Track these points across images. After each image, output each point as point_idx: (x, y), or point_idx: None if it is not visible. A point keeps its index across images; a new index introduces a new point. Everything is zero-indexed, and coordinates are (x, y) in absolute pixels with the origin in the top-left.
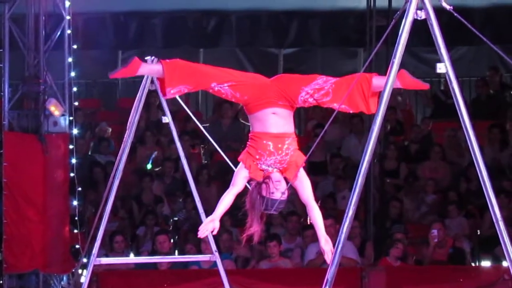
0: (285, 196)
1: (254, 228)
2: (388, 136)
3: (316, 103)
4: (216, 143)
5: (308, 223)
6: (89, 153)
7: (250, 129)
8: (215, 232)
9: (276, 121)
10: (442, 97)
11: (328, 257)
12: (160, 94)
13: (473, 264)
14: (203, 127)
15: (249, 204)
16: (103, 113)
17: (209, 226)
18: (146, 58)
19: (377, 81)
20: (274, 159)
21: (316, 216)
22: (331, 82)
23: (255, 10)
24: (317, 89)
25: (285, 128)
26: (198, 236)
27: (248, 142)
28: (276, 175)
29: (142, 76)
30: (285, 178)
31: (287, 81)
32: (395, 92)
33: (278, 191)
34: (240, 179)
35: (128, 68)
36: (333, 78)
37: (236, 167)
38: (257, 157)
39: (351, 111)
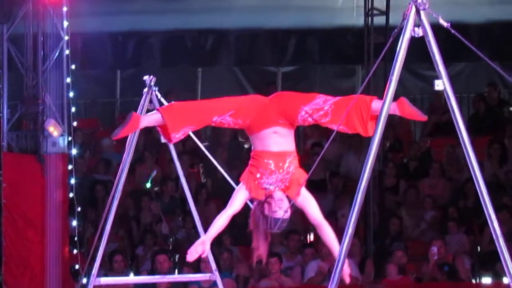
0: (287, 215)
1: (261, 249)
2: (387, 153)
3: (315, 123)
4: (217, 160)
5: (308, 241)
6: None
7: (252, 148)
8: (204, 255)
9: (277, 140)
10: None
11: (347, 278)
12: (165, 140)
13: (473, 281)
14: (204, 144)
15: (253, 224)
16: (102, 133)
17: (198, 248)
18: (144, 77)
19: (376, 104)
20: (275, 178)
21: (329, 236)
22: (330, 103)
23: (253, 28)
24: (317, 109)
25: (286, 146)
26: (187, 259)
27: (249, 161)
28: (278, 194)
29: (141, 95)
30: (287, 197)
31: (287, 99)
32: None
33: (281, 210)
34: (238, 200)
35: (129, 126)
36: (332, 98)
37: (236, 186)
38: (259, 176)
39: (349, 132)
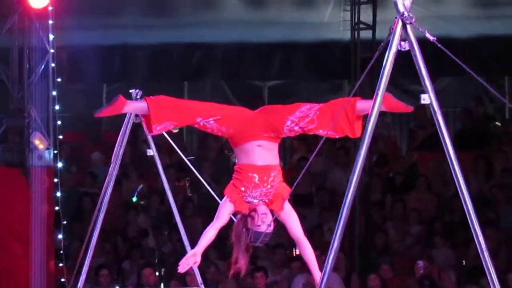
0: (271, 229)
1: (240, 262)
2: (373, 168)
3: (302, 131)
4: (202, 176)
5: (294, 255)
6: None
7: (236, 161)
8: (195, 266)
9: (261, 154)
10: (419, 131)
11: None
12: (146, 131)
13: None
14: (188, 160)
15: (235, 236)
16: (88, 147)
17: (190, 260)
18: (130, 91)
19: (361, 104)
20: (259, 192)
21: (308, 254)
22: (315, 109)
23: (239, 42)
24: (302, 117)
25: (270, 160)
26: (178, 270)
27: (233, 175)
28: (262, 208)
29: None
30: (271, 211)
31: (272, 111)
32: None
33: (264, 224)
34: (224, 213)
35: (114, 106)
36: (317, 104)
37: (221, 200)
38: (243, 189)
39: (337, 136)
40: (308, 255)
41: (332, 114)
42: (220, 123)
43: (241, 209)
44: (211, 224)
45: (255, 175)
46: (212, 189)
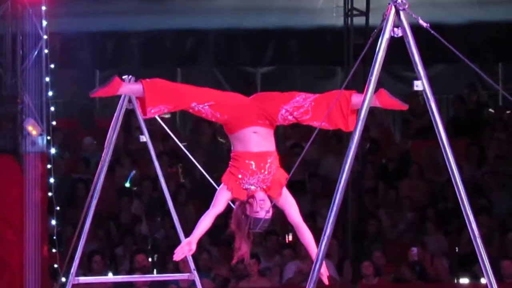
0: (269, 215)
1: (243, 250)
2: (366, 155)
3: (296, 121)
4: (196, 160)
5: (287, 241)
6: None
7: (232, 148)
8: (190, 254)
9: (257, 140)
10: (412, 118)
11: (325, 279)
12: (140, 114)
13: (451, 282)
14: (181, 146)
15: (235, 224)
16: (81, 133)
17: (185, 249)
18: (123, 77)
19: (356, 99)
20: (257, 178)
21: (307, 239)
22: (310, 100)
23: (232, 29)
24: (297, 107)
25: (266, 146)
26: (174, 259)
27: (230, 162)
28: (260, 194)
29: (120, 96)
30: (269, 197)
31: (266, 99)
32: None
33: (263, 210)
34: (221, 200)
35: (109, 87)
36: (312, 95)
37: (216, 186)
38: (240, 176)
39: (330, 128)
40: (308, 240)
41: (327, 106)
42: (215, 109)
43: (239, 196)
44: (207, 212)
45: (252, 162)
46: (206, 175)
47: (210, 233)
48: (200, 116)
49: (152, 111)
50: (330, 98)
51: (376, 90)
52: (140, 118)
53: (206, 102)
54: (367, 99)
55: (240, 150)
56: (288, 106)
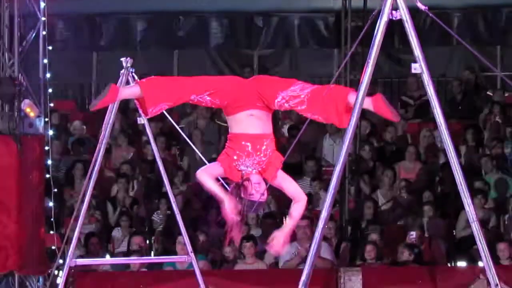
0: (264, 198)
1: (235, 231)
2: (363, 137)
3: (291, 109)
4: (192, 144)
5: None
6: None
7: (229, 130)
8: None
9: (254, 122)
10: (410, 101)
11: (273, 242)
12: (142, 114)
13: (448, 265)
14: (179, 128)
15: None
16: (78, 115)
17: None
18: (121, 59)
19: (352, 98)
20: (252, 160)
21: (292, 207)
22: (307, 91)
23: (229, 11)
24: (293, 96)
25: (263, 129)
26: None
27: (226, 143)
28: (255, 177)
29: (118, 77)
30: (264, 180)
31: (265, 83)
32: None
33: (258, 193)
34: (212, 168)
35: (107, 97)
36: (310, 86)
37: None
38: (235, 157)
39: (324, 122)
40: (292, 209)
41: (323, 99)
42: (214, 97)
43: (232, 177)
44: (207, 178)
45: (248, 143)
46: (201, 157)
47: (207, 215)
48: (200, 105)
49: (153, 110)
50: (328, 93)
51: (372, 93)
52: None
53: (205, 92)
54: (365, 81)
55: (237, 132)
56: (285, 94)
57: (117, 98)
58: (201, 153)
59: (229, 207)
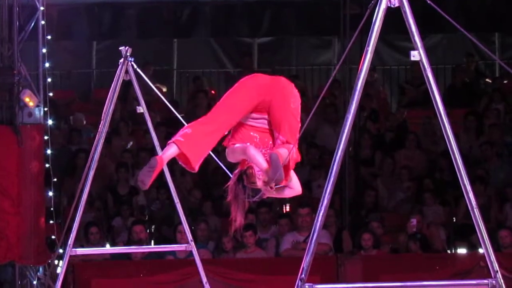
0: (266, 188)
1: (239, 219)
2: (363, 125)
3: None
4: None
5: (284, 212)
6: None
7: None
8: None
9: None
10: (409, 87)
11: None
12: (187, 169)
13: (449, 252)
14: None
15: (232, 194)
16: (78, 104)
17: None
18: (120, 48)
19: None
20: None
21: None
22: (292, 153)
23: None
24: (282, 142)
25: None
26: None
27: (232, 131)
28: None
29: (117, 67)
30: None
31: (280, 112)
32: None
33: (260, 181)
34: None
35: (157, 170)
36: (296, 152)
37: (214, 156)
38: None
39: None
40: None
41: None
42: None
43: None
44: (248, 148)
45: (256, 135)
46: None
47: (210, 203)
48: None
49: (198, 165)
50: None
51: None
52: (137, 89)
53: (236, 120)
54: (364, 69)
55: (249, 124)
56: (280, 135)
57: (163, 166)
58: None
59: (239, 219)
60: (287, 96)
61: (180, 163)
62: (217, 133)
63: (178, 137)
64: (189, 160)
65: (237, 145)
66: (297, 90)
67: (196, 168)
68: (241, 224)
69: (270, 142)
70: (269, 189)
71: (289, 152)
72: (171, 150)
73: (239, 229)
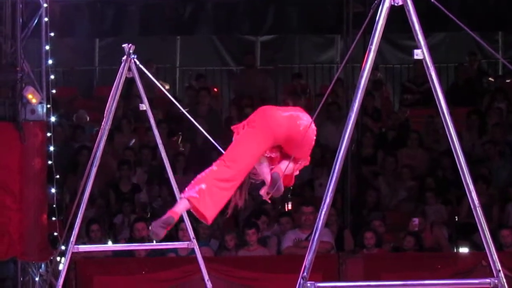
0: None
1: (238, 196)
2: (365, 123)
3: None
4: (197, 130)
5: (287, 210)
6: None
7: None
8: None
9: None
10: (412, 86)
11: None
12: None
13: (451, 251)
14: (182, 113)
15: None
16: (80, 101)
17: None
18: (123, 45)
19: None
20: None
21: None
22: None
23: None
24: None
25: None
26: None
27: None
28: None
29: (119, 64)
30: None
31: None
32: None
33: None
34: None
35: (171, 225)
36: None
37: (217, 154)
38: None
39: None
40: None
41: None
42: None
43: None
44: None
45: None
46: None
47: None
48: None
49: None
50: None
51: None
52: (140, 86)
53: (251, 167)
54: (367, 68)
55: None
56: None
57: (176, 220)
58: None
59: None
60: (301, 136)
61: (193, 212)
62: (232, 187)
63: (192, 193)
64: (205, 216)
65: None
66: (307, 116)
67: (210, 222)
68: (242, 199)
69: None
70: (265, 195)
71: (288, 163)
72: (185, 205)
73: (239, 204)
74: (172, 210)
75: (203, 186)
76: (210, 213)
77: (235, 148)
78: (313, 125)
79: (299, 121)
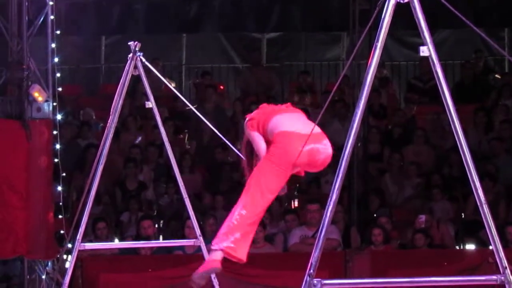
0: None
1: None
2: (371, 121)
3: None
4: (202, 127)
5: (293, 207)
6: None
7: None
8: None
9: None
10: (418, 83)
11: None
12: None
13: (457, 248)
14: (189, 110)
15: (245, 152)
16: (86, 99)
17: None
18: (129, 43)
19: None
20: None
21: None
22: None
23: None
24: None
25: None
26: None
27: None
28: None
29: (125, 62)
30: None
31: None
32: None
33: None
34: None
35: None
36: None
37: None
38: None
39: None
40: None
41: None
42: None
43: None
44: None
45: None
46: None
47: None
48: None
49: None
50: None
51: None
52: (146, 84)
53: (274, 198)
54: (373, 65)
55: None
56: None
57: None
58: (211, 136)
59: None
60: (318, 167)
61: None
62: (259, 221)
63: (228, 243)
64: (241, 259)
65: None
66: (327, 143)
67: (245, 260)
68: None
69: None
70: None
71: None
72: (222, 254)
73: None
74: (211, 259)
75: (237, 235)
76: (245, 253)
77: (258, 186)
78: (330, 151)
79: (319, 156)
